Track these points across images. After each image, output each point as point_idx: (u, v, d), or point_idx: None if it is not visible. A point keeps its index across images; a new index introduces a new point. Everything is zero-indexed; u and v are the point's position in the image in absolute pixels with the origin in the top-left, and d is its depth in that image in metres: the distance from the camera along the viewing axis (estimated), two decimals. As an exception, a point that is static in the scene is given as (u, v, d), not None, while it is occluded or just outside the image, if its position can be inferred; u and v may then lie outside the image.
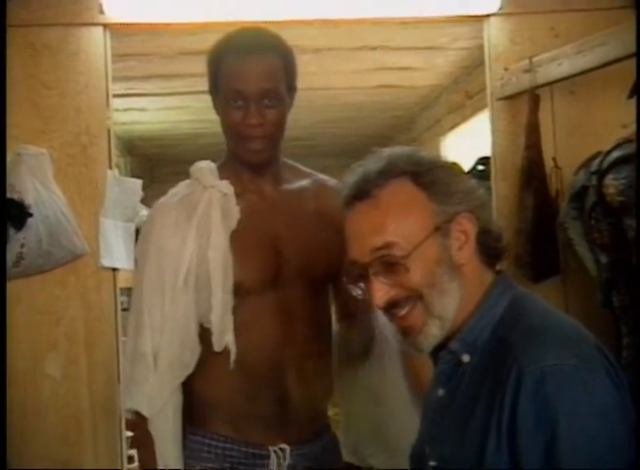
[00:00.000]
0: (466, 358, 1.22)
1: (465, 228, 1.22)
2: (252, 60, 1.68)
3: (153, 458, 1.72)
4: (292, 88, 1.76)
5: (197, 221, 1.73)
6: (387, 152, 1.27)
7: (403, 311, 1.21)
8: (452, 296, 1.21)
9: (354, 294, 1.26)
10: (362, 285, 1.24)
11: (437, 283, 1.20)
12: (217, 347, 1.70)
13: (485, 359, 1.19)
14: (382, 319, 1.89)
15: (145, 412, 1.72)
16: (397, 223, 1.20)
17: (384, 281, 1.20)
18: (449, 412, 1.24)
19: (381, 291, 1.21)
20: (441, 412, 1.26)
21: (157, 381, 1.71)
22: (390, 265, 1.19)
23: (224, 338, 1.70)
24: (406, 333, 1.23)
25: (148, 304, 1.73)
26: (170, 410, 1.73)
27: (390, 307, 1.22)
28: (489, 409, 1.14)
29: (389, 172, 1.23)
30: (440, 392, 1.27)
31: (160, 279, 1.73)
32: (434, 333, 1.22)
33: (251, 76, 1.68)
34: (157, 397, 1.71)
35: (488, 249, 1.26)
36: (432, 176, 1.23)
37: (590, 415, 1.08)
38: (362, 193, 1.23)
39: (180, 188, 1.81)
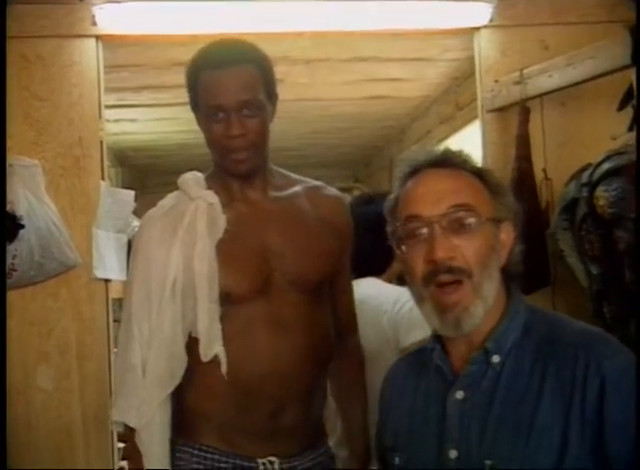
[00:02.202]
0: (496, 359, 1.26)
1: (504, 237, 1.30)
2: (227, 72, 1.68)
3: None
4: (272, 96, 1.76)
5: (182, 232, 1.72)
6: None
7: (452, 279, 1.23)
8: (495, 286, 1.26)
9: (398, 252, 1.29)
10: (404, 248, 1.28)
11: (489, 267, 1.25)
12: (204, 356, 1.69)
13: (531, 362, 1.23)
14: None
15: (132, 424, 1.71)
16: (476, 194, 1.28)
17: (449, 239, 1.24)
18: (491, 414, 1.24)
19: (444, 246, 1.23)
20: (474, 415, 1.25)
21: (145, 393, 1.71)
22: (461, 226, 1.25)
23: (212, 348, 1.69)
24: (448, 310, 1.25)
25: (136, 316, 1.73)
26: (158, 422, 1.72)
27: (441, 272, 1.24)
28: (563, 406, 1.18)
29: (461, 162, 1.32)
30: (460, 394, 1.28)
31: (147, 291, 1.73)
32: (479, 313, 1.25)
33: (227, 89, 1.68)
34: (145, 408, 1.71)
35: (507, 268, 1.31)
36: (494, 180, 1.33)
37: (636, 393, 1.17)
38: (443, 162, 1.31)
39: (167, 200, 1.81)
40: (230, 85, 1.68)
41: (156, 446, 1.72)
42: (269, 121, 1.75)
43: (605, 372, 1.17)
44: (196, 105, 1.76)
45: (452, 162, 1.31)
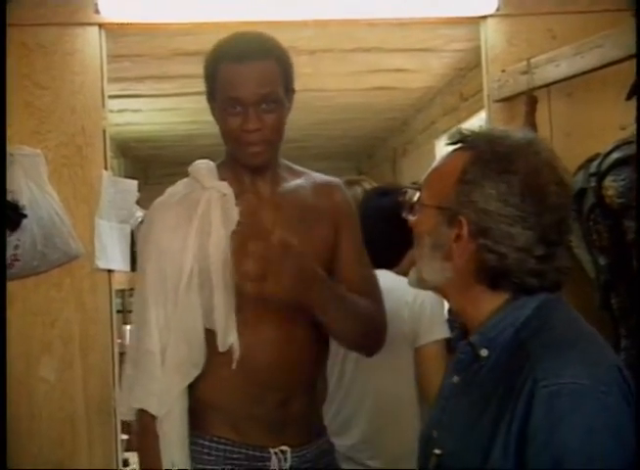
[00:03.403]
0: (484, 353, 1.24)
1: (459, 231, 1.24)
2: (248, 66, 1.68)
3: (158, 460, 1.70)
4: (289, 90, 1.76)
5: (197, 222, 1.72)
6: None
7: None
8: (431, 267, 1.30)
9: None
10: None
11: (421, 246, 1.31)
12: (222, 347, 1.69)
13: (504, 360, 1.21)
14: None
15: (154, 411, 1.70)
16: (439, 180, 1.30)
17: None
18: (461, 402, 1.26)
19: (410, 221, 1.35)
20: (453, 401, 1.29)
21: (166, 380, 1.70)
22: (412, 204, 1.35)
23: (229, 337, 1.69)
24: None
25: (152, 303, 1.72)
26: (178, 411, 1.72)
27: None
28: (499, 414, 1.15)
29: (465, 139, 1.31)
30: (455, 378, 1.30)
31: (162, 280, 1.72)
32: (412, 277, 1.35)
33: (247, 83, 1.67)
34: (165, 396, 1.70)
35: (489, 268, 1.24)
36: (481, 174, 1.24)
37: (603, 434, 1.09)
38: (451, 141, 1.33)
39: (178, 187, 1.81)
40: (250, 79, 1.67)
41: (176, 435, 1.71)
42: (286, 116, 1.75)
43: (535, 392, 1.11)
44: (212, 96, 1.75)
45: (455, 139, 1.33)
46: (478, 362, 1.25)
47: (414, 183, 1.45)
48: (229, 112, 1.70)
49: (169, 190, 1.81)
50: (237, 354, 1.69)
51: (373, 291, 1.86)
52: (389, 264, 2.33)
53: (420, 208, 1.32)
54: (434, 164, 1.34)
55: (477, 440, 1.17)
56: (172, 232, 1.73)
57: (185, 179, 1.81)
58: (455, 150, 1.31)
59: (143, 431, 1.73)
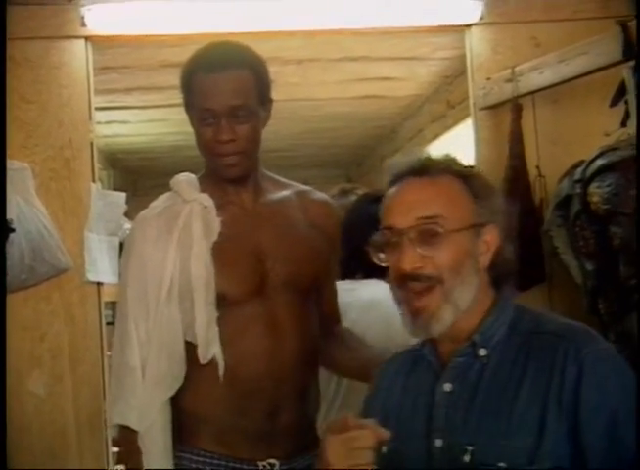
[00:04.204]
0: (482, 352, 1.30)
1: (489, 239, 1.31)
2: (220, 76, 1.67)
3: None
4: (266, 100, 1.76)
5: (178, 234, 1.72)
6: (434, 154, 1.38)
7: (421, 286, 1.28)
8: (470, 291, 1.29)
9: (374, 259, 1.34)
10: (382, 256, 1.33)
11: (462, 273, 1.28)
12: (202, 359, 1.69)
13: (514, 354, 1.27)
14: None
15: (135, 426, 1.70)
16: (449, 204, 1.30)
17: (417, 250, 1.28)
18: (474, 404, 1.27)
19: (412, 257, 1.28)
20: (459, 406, 1.29)
21: (145, 395, 1.70)
22: (430, 236, 1.28)
23: (210, 350, 1.68)
24: (418, 314, 1.30)
25: (133, 317, 1.72)
26: (160, 425, 1.71)
27: (410, 279, 1.29)
28: (541, 391, 1.22)
29: (445, 168, 1.33)
30: (447, 386, 1.31)
31: (143, 292, 1.72)
32: (446, 318, 1.28)
33: (219, 94, 1.67)
34: (146, 410, 1.70)
35: (495, 268, 1.33)
36: (479, 182, 1.33)
37: (635, 392, 1.22)
38: (421, 171, 1.33)
39: (160, 201, 1.81)
40: (222, 90, 1.67)
41: (158, 449, 1.71)
42: (262, 127, 1.75)
43: (583, 359, 1.21)
44: (189, 106, 1.75)
45: (433, 169, 1.33)
46: (477, 363, 1.30)
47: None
48: (203, 123, 1.70)
49: (152, 204, 1.81)
50: (222, 367, 1.68)
51: (338, 312, 1.95)
52: (381, 274, 2.33)
53: (447, 235, 1.28)
54: (409, 199, 1.32)
55: (519, 424, 1.22)
56: (153, 245, 1.73)
57: (167, 193, 1.81)
58: (427, 181, 1.33)
59: (127, 445, 1.73)
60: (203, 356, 1.68)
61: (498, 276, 1.34)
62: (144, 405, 1.69)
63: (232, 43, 1.77)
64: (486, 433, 1.24)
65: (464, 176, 1.33)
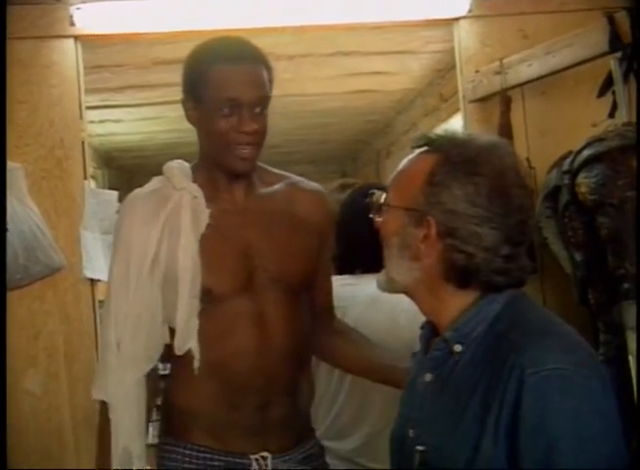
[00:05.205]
0: (458, 348, 1.27)
1: (427, 232, 1.27)
2: (244, 68, 1.68)
3: (107, 452, 1.70)
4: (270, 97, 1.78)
5: (165, 216, 1.72)
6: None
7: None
8: (399, 270, 1.33)
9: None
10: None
11: (389, 247, 1.34)
12: (178, 350, 1.69)
13: (482, 353, 1.24)
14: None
15: (106, 399, 1.72)
16: (406, 182, 1.32)
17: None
18: (439, 399, 1.27)
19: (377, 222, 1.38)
20: (430, 398, 1.29)
21: (120, 370, 1.71)
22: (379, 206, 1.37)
23: (187, 342, 1.69)
24: None
25: (115, 295, 1.73)
26: (132, 399, 1.72)
27: None
28: (486, 404, 1.18)
29: (431, 142, 1.32)
30: (428, 377, 1.31)
31: (126, 270, 1.73)
32: (381, 280, 1.39)
33: (245, 84, 1.67)
34: (118, 385, 1.71)
35: (457, 268, 1.27)
36: (449, 175, 1.26)
37: (591, 416, 1.13)
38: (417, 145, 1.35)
39: (152, 183, 1.80)
40: (247, 80, 1.68)
41: (131, 423, 1.71)
42: None
43: (525, 379, 1.14)
44: (196, 98, 1.72)
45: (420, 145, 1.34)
46: (452, 358, 1.27)
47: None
48: (219, 114, 1.67)
49: (145, 185, 1.80)
50: (197, 360, 1.69)
51: (332, 308, 1.95)
52: (377, 268, 2.33)
53: (387, 209, 1.34)
54: (400, 166, 1.35)
55: (464, 432, 1.19)
56: (139, 225, 1.73)
57: (159, 176, 1.80)
58: (421, 153, 1.33)
59: (100, 419, 1.74)
60: (178, 348, 1.69)
61: (470, 275, 1.26)
62: (118, 380, 1.71)
63: (240, 38, 1.77)
64: (439, 435, 1.23)
65: (448, 156, 1.27)
